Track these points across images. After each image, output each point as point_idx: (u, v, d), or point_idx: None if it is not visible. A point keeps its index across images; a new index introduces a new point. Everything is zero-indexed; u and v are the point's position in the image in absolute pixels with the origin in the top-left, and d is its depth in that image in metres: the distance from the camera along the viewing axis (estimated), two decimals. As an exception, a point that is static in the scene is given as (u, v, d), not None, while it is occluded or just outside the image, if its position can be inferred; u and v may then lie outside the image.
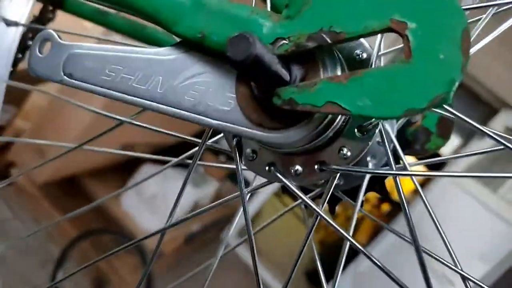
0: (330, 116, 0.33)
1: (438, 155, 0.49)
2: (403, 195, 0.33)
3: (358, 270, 2.40)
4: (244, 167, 0.39)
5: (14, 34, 0.62)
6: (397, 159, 0.40)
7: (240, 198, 0.38)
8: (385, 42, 0.37)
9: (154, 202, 2.07)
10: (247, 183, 0.41)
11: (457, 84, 0.26)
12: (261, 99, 0.33)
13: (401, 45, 0.28)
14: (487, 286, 0.35)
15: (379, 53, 0.35)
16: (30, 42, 0.72)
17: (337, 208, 0.47)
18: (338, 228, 0.34)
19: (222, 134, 0.42)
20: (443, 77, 0.26)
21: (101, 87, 0.37)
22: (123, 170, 2.14)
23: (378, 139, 0.35)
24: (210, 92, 0.35)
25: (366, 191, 0.43)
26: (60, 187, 2.03)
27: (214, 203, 0.42)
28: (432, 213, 0.42)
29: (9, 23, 0.60)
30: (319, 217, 0.35)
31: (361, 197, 0.41)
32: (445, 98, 0.27)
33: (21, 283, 1.72)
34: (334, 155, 0.35)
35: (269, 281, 2.28)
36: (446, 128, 0.55)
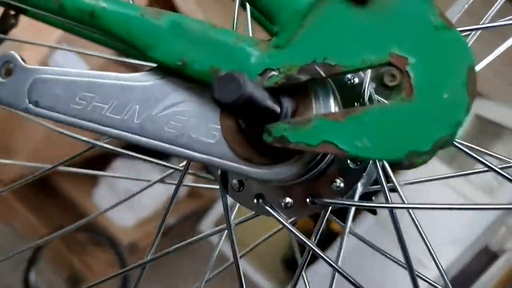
0: (323, 150, 0.31)
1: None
2: (400, 229, 0.31)
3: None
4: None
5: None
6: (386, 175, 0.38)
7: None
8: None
9: (127, 197, 2.02)
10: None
11: (462, 125, 0.25)
12: (248, 132, 0.30)
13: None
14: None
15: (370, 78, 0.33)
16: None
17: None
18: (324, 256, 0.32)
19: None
20: (448, 118, 0.25)
21: (71, 116, 0.34)
22: (94, 166, 2.07)
23: None
24: (192, 123, 0.32)
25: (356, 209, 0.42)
26: (30, 185, 1.95)
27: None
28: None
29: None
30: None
31: (349, 222, 0.39)
32: (449, 140, 0.25)
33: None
34: (326, 187, 0.33)
35: (248, 270, 2.28)
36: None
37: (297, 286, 0.36)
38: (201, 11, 1.76)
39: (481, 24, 0.36)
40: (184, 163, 0.40)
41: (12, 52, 0.36)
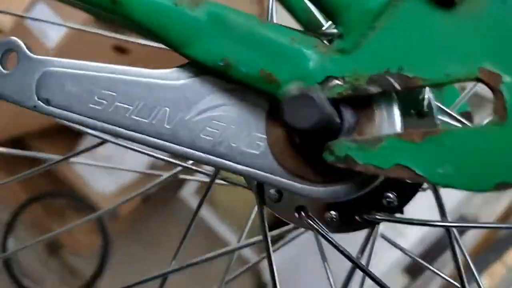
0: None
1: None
2: (460, 245, 0.29)
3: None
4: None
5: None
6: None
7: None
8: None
9: (108, 162, 1.97)
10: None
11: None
12: (301, 147, 0.27)
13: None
14: None
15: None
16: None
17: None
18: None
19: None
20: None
21: (90, 118, 0.30)
22: (71, 131, 2.00)
23: None
24: (232, 130, 0.28)
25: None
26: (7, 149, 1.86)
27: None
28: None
29: None
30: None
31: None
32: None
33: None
34: (376, 201, 0.30)
35: (227, 236, 2.28)
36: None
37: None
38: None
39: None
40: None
41: (15, 38, 0.31)
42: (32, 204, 1.91)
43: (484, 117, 0.32)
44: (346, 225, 0.31)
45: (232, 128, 0.28)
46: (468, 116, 0.36)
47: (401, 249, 0.36)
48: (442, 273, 0.40)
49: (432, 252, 1.80)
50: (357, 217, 0.30)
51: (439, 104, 0.30)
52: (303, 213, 0.32)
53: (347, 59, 0.24)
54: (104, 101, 0.29)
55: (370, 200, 0.30)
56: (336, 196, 0.27)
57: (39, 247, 1.94)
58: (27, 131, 1.90)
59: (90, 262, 1.86)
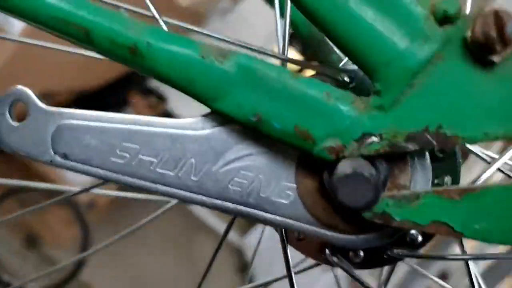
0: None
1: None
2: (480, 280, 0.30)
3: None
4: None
5: None
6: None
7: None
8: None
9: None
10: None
11: None
12: (334, 198, 0.27)
13: None
14: None
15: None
16: None
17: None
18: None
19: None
20: None
21: (112, 172, 0.29)
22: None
23: None
24: (261, 180, 0.28)
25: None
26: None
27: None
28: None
29: None
30: None
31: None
32: None
33: None
34: (401, 238, 0.31)
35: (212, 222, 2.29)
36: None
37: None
38: None
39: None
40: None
41: (22, 87, 0.29)
42: (7, 199, 1.86)
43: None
44: (370, 262, 0.31)
45: (261, 178, 0.28)
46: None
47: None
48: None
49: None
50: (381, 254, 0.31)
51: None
52: (327, 251, 0.32)
53: (385, 116, 0.24)
54: (126, 154, 0.28)
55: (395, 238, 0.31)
56: (368, 244, 0.28)
57: (16, 241, 1.90)
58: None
59: (70, 253, 1.84)
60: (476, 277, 0.30)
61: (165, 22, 0.35)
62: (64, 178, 1.97)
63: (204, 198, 0.29)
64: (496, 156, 0.30)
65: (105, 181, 0.31)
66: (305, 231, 0.28)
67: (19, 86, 0.29)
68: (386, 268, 0.34)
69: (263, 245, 0.54)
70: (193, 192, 0.28)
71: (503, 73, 0.22)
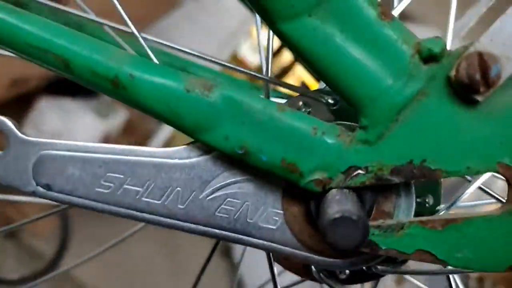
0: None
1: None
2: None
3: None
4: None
5: None
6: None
7: None
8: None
9: (58, 139, 1.88)
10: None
11: None
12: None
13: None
14: None
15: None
16: None
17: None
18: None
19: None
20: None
21: (96, 201, 0.28)
22: (16, 106, 1.87)
23: None
24: (247, 207, 0.28)
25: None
26: None
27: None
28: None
29: None
30: None
31: None
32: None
33: None
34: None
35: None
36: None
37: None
38: None
39: None
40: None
41: (2, 118, 0.28)
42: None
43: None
44: (355, 278, 0.32)
45: (248, 204, 0.28)
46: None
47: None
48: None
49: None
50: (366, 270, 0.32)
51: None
52: (313, 268, 0.33)
53: (370, 150, 0.25)
54: (111, 184, 0.28)
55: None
56: (354, 266, 0.28)
57: (-7, 232, 1.86)
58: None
59: (49, 243, 1.82)
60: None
61: (144, 39, 0.34)
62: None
63: (192, 226, 0.29)
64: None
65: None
66: (292, 255, 0.29)
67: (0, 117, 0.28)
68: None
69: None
70: (180, 220, 0.28)
71: (486, 111, 0.23)
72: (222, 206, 0.28)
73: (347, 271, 0.32)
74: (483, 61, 0.21)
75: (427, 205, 0.30)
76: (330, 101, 0.30)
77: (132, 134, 2.23)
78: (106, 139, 2.02)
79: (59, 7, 0.34)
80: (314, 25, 0.23)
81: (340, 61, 0.23)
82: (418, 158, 0.24)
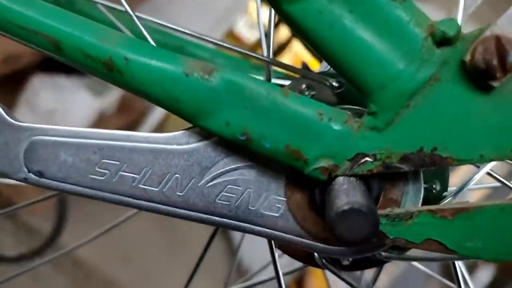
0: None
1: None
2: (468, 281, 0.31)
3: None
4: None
5: None
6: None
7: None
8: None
9: (52, 118, 1.86)
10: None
11: None
12: (325, 213, 0.26)
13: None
14: None
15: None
16: None
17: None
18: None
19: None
20: None
21: (90, 188, 0.27)
22: (8, 84, 1.84)
23: None
24: (249, 194, 0.27)
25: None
26: None
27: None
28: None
29: None
30: None
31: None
32: None
33: None
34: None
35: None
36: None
37: None
38: None
39: None
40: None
41: (-11, 101, 0.27)
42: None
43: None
44: (358, 264, 0.32)
45: (250, 191, 0.27)
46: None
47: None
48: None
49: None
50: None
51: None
52: (316, 254, 0.32)
53: (379, 137, 0.23)
54: (106, 171, 0.27)
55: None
56: (359, 254, 0.28)
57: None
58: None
59: (46, 220, 1.82)
60: (463, 277, 0.31)
61: (139, 18, 0.32)
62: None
63: (191, 213, 0.28)
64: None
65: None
66: (295, 243, 0.28)
67: (-15, 100, 0.27)
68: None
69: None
70: (179, 208, 0.28)
71: (501, 97, 0.22)
72: (223, 193, 0.27)
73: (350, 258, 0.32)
74: (501, 45, 0.20)
75: (434, 191, 0.29)
76: (335, 84, 0.29)
77: (128, 111, 2.21)
78: (101, 117, 1.99)
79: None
80: (321, 5, 0.21)
81: (348, 44, 0.22)
82: (429, 145, 0.23)
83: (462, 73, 0.21)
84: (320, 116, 0.24)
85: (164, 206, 0.28)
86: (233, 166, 0.27)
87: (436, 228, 0.24)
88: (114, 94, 2.07)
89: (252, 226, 0.28)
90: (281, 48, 1.99)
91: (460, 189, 0.29)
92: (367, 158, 0.24)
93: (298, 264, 0.34)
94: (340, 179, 0.24)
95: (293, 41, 1.86)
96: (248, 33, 2.22)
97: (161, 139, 0.27)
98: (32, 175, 0.27)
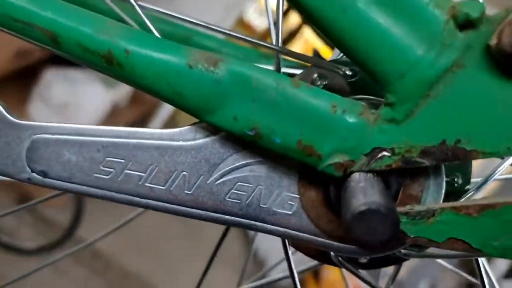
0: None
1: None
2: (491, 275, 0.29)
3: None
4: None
5: None
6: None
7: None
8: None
9: (65, 111, 1.86)
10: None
11: None
12: (340, 210, 0.25)
13: None
14: None
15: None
16: None
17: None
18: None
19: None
20: None
21: (96, 188, 0.26)
22: (22, 78, 1.85)
23: None
24: (260, 191, 0.26)
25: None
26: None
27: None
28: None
29: None
30: None
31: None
32: None
33: None
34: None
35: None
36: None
37: None
38: None
39: None
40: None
41: (-12, 99, 0.26)
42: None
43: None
44: (376, 262, 0.30)
45: (261, 188, 0.26)
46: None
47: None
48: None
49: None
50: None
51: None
52: (332, 252, 0.31)
53: (397, 130, 0.22)
54: (111, 170, 0.26)
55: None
56: (376, 253, 0.26)
57: (9, 201, 1.89)
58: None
59: (64, 212, 1.84)
60: (487, 274, 0.29)
61: (143, 8, 0.31)
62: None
63: (200, 212, 0.26)
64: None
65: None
66: (310, 241, 0.26)
67: (-15, 98, 0.26)
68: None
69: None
70: (187, 207, 0.26)
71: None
72: (233, 190, 0.26)
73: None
74: (531, 27, 0.18)
75: (455, 184, 0.28)
76: (348, 72, 0.27)
77: (140, 103, 2.21)
78: (114, 109, 1.99)
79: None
80: (332, -13, 0.20)
81: (362, 30, 0.20)
82: (452, 138, 0.21)
83: (487, 58, 0.20)
84: (334, 108, 0.22)
85: (172, 205, 0.26)
86: (242, 162, 0.26)
87: (460, 226, 0.22)
88: (126, 86, 2.06)
89: (265, 225, 0.27)
90: (292, 35, 1.96)
91: (483, 183, 0.27)
92: (384, 153, 0.22)
93: (313, 262, 0.33)
94: (356, 175, 0.23)
95: (303, 28, 1.82)
96: (258, 21, 2.19)
97: (166, 135, 0.26)
98: (35, 175, 0.26)
